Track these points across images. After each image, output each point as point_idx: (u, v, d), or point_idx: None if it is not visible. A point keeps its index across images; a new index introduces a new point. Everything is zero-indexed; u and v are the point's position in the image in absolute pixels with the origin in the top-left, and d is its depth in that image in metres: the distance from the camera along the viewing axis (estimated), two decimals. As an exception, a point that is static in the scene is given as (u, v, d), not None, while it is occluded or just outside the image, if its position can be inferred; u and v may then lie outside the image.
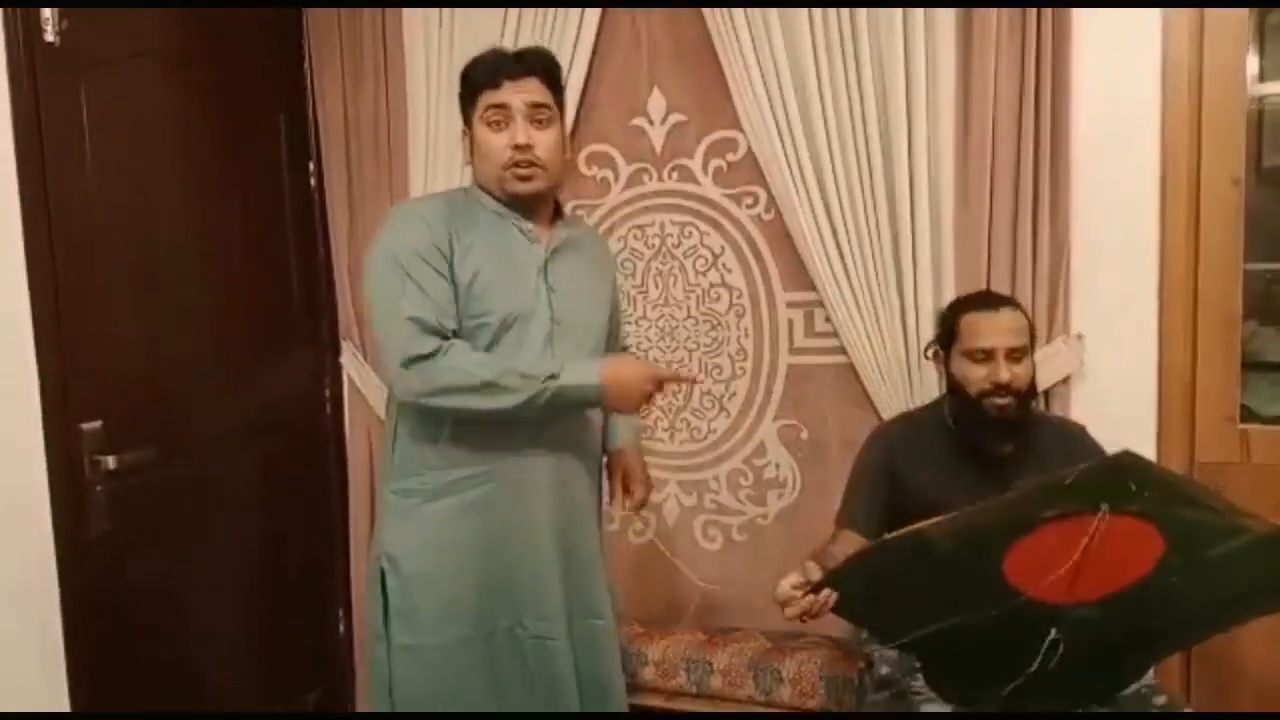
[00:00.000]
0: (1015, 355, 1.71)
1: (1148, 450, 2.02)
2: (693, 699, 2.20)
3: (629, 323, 2.47)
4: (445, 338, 1.61)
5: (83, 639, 1.96)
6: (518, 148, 1.64)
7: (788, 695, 2.12)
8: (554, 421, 1.69)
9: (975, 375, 1.72)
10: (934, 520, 1.25)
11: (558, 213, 1.79)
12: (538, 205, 1.73)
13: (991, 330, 1.71)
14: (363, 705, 2.73)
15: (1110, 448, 1.75)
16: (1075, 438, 1.83)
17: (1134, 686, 1.61)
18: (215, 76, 2.30)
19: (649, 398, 1.69)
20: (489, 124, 1.66)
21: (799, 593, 1.39)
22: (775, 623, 2.31)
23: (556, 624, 1.73)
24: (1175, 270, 2.04)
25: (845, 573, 1.37)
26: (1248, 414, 2.06)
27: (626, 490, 1.94)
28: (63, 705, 1.93)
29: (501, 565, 1.71)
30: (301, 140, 2.61)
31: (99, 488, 1.98)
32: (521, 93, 1.65)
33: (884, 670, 1.77)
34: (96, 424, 1.98)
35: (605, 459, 1.93)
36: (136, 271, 2.09)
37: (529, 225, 1.72)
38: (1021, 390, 1.71)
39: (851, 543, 1.73)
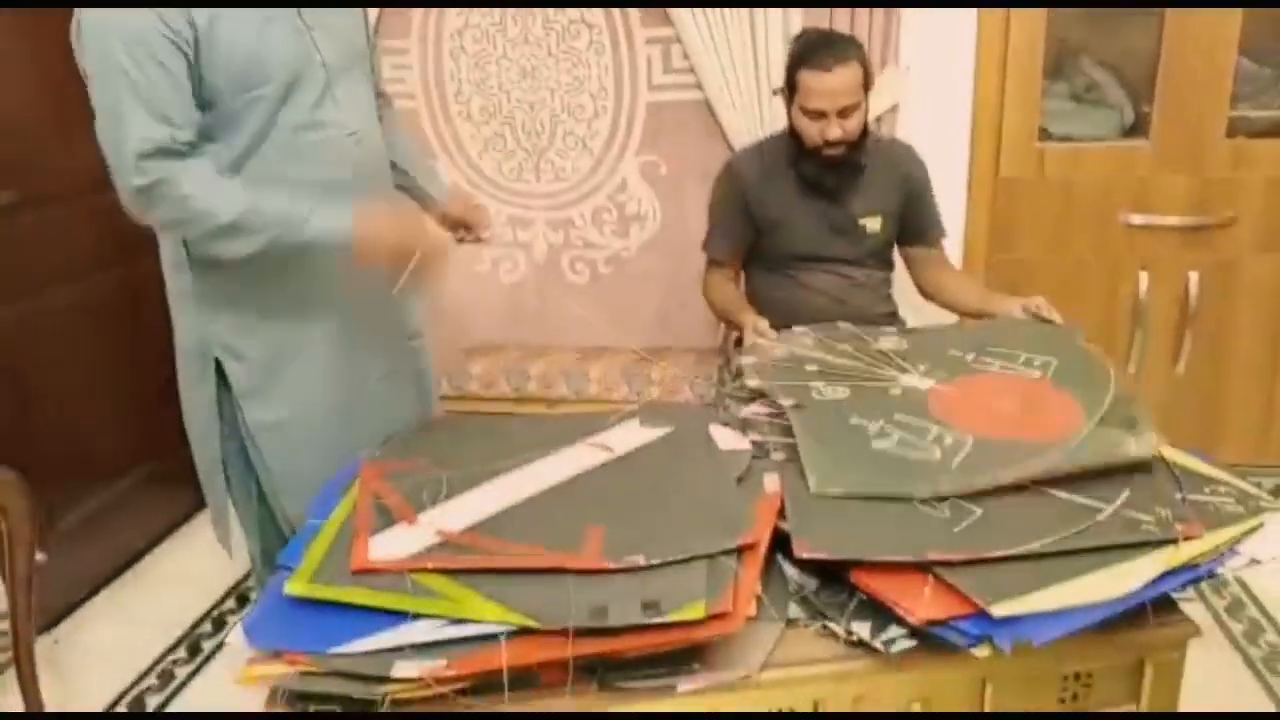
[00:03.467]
0: (846, 111, 1.84)
1: (960, 166, 2.32)
2: (573, 404, 2.45)
3: (491, 63, 2.51)
4: (179, 153, 1.40)
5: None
6: None
7: (657, 394, 2.40)
8: (358, 181, 1.57)
9: (810, 130, 1.87)
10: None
11: None
12: None
13: (824, 92, 1.82)
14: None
15: (930, 164, 2.03)
16: (903, 154, 2.05)
17: None
18: None
19: (400, 261, 1.48)
20: None
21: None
22: (639, 342, 2.59)
23: (403, 357, 1.79)
24: (991, 10, 2.26)
25: None
26: (1042, 134, 2.37)
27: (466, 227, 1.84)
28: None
29: (347, 322, 1.64)
30: None
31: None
32: None
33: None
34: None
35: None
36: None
37: None
38: (852, 139, 1.88)
39: (727, 276, 2.05)
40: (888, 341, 1.69)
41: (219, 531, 1.80)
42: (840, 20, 2.24)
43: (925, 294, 2.07)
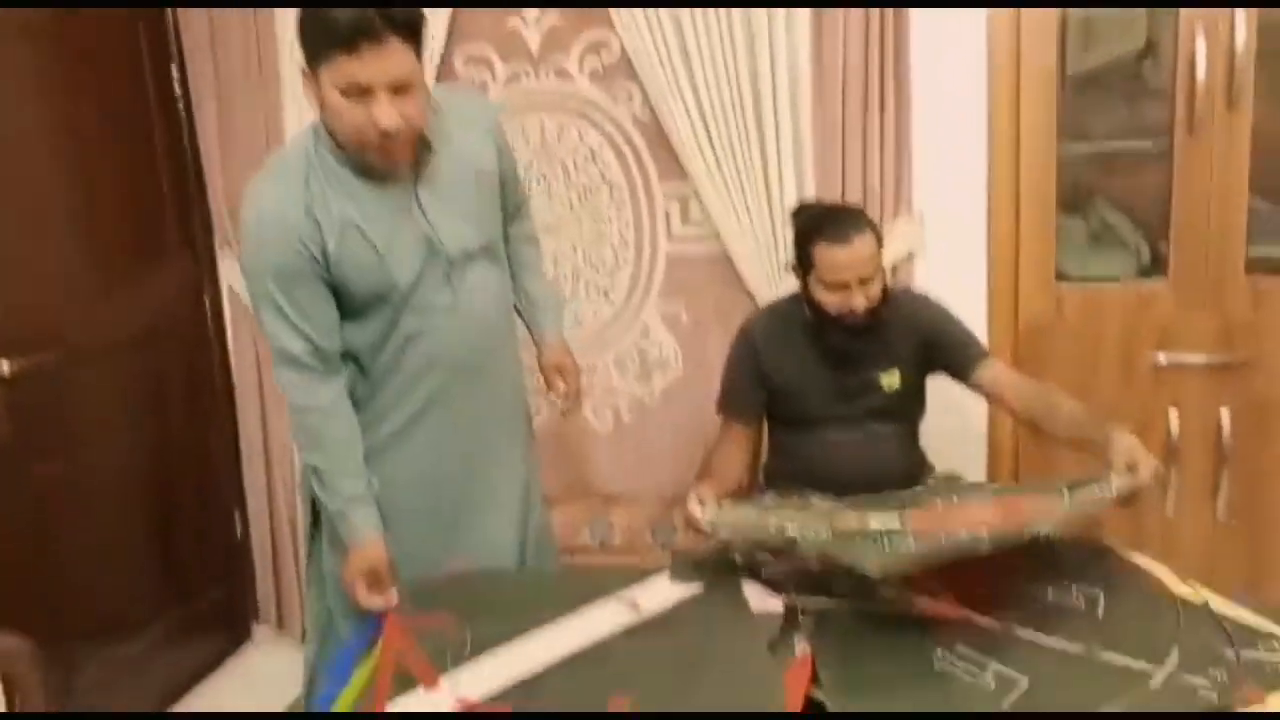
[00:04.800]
0: (868, 280, 1.85)
1: (979, 312, 2.33)
2: (597, 554, 2.41)
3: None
4: (312, 367, 1.58)
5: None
6: (384, 134, 1.45)
7: (681, 541, 2.36)
8: (445, 365, 1.68)
9: (831, 300, 1.86)
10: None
11: None
12: None
13: (845, 264, 1.81)
14: (265, 603, 2.81)
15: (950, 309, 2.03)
16: (908, 300, 2.03)
17: None
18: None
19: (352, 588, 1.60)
20: (344, 95, 1.43)
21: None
22: (664, 489, 2.57)
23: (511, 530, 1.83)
24: (1001, 154, 2.32)
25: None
26: (1059, 275, 2.38)
27: (557, 381, 1.96)
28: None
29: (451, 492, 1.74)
30: (162, 43, 2.54)
31: (-5, 393, 1.99)
32: (384, 66, 1.41)
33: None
34: (-13, 330, 1.97)
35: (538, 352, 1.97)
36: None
37: (389, 165, 1.55)
38: (875, 303, 1.87)
39: (738, 437, 1.99)
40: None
41: None
42: (853, 167, 2.30)
43: (1018, 420, 1.99)
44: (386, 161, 1.52)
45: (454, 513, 1.74)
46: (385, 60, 1.41)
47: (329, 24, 1.40)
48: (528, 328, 1.97)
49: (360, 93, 1.42)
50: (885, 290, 1.91)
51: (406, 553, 1.66)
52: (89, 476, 2.24)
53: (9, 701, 1.55)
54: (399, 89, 1.44)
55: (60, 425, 2.15)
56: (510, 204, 1.85)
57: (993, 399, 1.98)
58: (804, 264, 1.90)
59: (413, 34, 1.45)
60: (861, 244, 1.83)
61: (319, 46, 1.43)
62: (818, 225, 1.88)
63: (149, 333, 2.45)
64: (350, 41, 1.39)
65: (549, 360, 1.95)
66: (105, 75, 2.36)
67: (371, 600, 1.55)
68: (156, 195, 2.53)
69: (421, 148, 1.58)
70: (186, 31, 2.53)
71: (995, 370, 1.94)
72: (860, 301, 1.84)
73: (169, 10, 2.53)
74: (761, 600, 1.43)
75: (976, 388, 1.94)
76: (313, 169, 1.53)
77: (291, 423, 1.67)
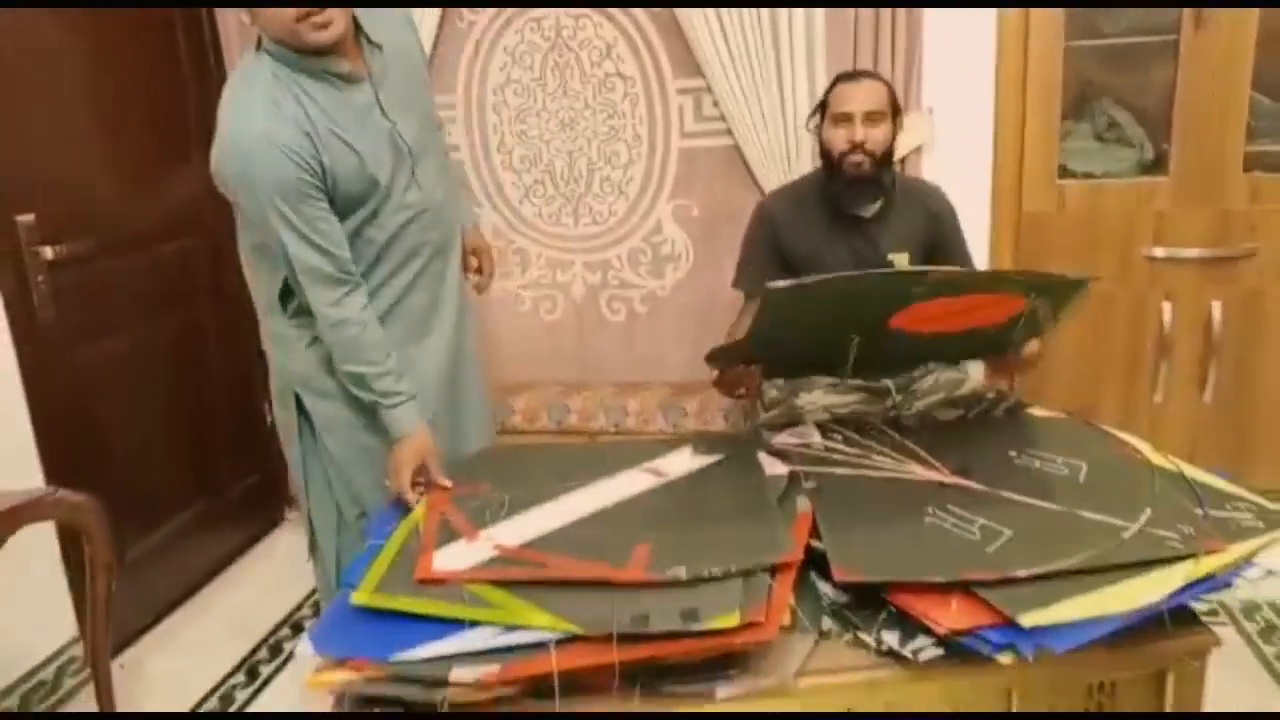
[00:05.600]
0: (872, 118, 1.94)
1: (984, 203, 2.40)
2: (612, 436, 2.53)
3: (531, 115, 2.65)
4: (339, 280, 1.61)
5: (45, 417, 2.10)
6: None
7: (692, 425, 2.48)
8: (429, 248, 1.76)
9: (837, 137, 1.96)
10: (816, 278, 1.48)
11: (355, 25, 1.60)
12: (343, 38, 1.56)
13: (851, 96, 1.94)
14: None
15: (955, 201, 2.09)
16: (931, 193, 2.11)
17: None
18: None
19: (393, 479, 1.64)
20: None
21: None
22: (674, 377, 2.68)
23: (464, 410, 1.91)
24: (1009, 52, 2.35)
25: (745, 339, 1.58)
26: (1064, 172, 2.45)
27: (475, 267, 2.01)
28: (35, 474, 2.08)
29: (426, 362, 1.80)
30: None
31: (40, 277, 2.08)
32: None
33: (773, 393, 2.12)
34: (30, 216, 2.05)
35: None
36: (36, 83, 2.12)
37: (345, 66, 1.57)
38: (876, 151, 1.95)
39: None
40: None
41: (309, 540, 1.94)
42: (864, 63, 2.33)
43: None
44: (322, 36, 1.50)
45: (442, 397, 1.82)
46: None
47: None
48: None
49: None
50: (891, 155, 1.99)
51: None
52: (127, 362, 2.35)
53: (69, 551, 1.67)
54: None
55: (98, 310, 2.25)
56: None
57: None
58: (821, 114, 2.01)
59: None
60: (869, 83, 1.97)
61: None
62: (837, 76, 2.04)
63: (177, 225, 2.53)
64: None
65: (468, 244, 1.98)
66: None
67: (413, 495, 1.57)
68: (181, 98, 2.58)
69: (367, 45, 1.60)
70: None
71: None
72: (861, 135, 1.93)
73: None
74: (773, 467, 1.55)
75: None
76: (284, 88, 1.53)
77: (327, 337, 1.65)
